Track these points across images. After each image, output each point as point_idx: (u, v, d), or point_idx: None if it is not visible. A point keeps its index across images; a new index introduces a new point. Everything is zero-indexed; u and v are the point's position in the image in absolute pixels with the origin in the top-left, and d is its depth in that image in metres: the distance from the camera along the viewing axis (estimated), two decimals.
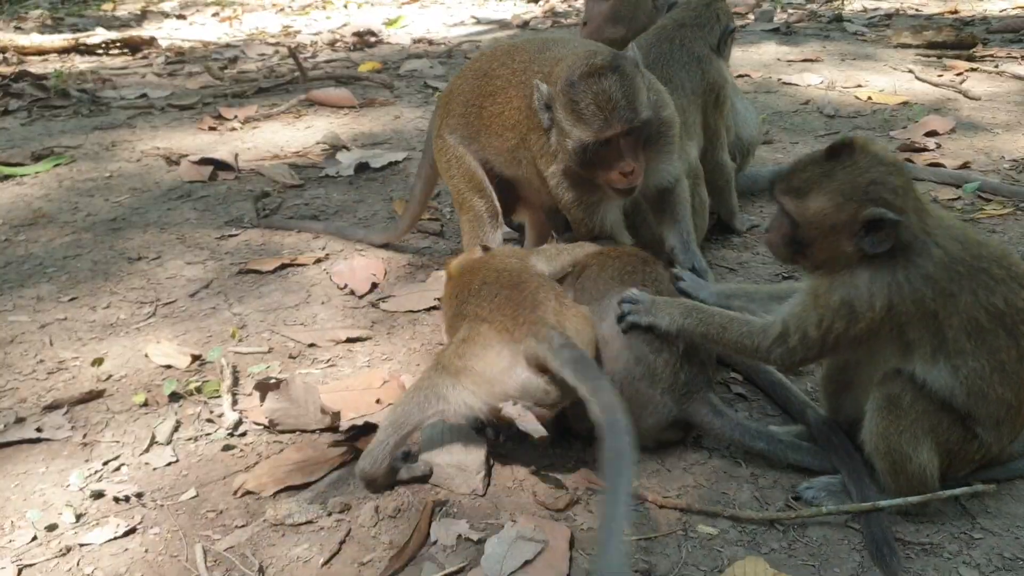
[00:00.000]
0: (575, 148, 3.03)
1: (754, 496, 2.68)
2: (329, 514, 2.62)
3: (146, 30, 9.81)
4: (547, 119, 3.13)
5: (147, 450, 2.92)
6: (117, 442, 2.98)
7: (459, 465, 2.70)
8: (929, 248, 2.44)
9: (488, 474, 2.74)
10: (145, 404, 3.16)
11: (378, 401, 3.02)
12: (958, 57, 7.38)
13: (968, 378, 2.46)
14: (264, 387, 2.95)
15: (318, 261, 4.17)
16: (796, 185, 2.53)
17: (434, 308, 3.73)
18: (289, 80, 7.33)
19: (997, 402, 2.48)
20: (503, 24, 9.64)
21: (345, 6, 10.85)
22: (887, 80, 6.86)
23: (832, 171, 2.48)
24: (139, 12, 11.05)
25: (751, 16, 9.28)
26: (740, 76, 7.14)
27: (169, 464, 2.86)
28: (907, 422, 2.50)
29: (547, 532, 2.47)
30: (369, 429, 2.88)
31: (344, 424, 2.91)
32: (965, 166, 5.02)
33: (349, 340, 3.50)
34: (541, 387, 2.56)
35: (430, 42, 8.90)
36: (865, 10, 9.40)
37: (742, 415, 2.96)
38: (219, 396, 3.14)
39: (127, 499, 2.70)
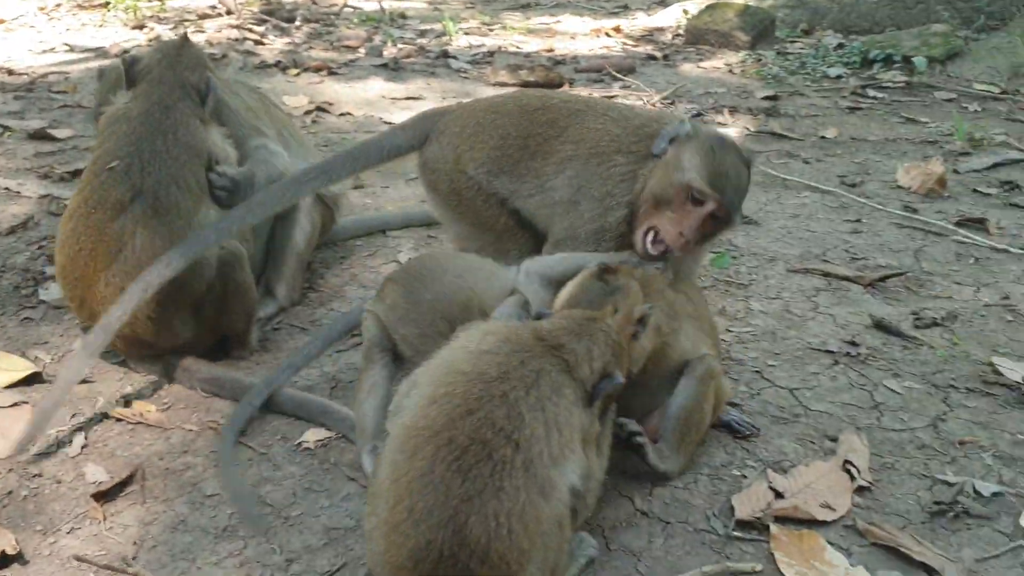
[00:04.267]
0: (670, 183, 3.11)
1: None
2: None
3: None
4: (663, 148, 3.22)
5: None
6: None
7: None
8: None
9: None
10: None
11: None
12: None
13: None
14: None
15: None
16: None
17: None
18: None
19: None
20: (100, 53, 8.93)
21: None
22: None
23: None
24: None
25: (362, 50, 9.32)
26: (342, 114, 7.14)
27: None
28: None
29: None
30: None
31: None
32: None
33: None
34: None
35: (10, 72, 8.06)
36: (470, 46, 9.79)
37: None
38: None
39: None
